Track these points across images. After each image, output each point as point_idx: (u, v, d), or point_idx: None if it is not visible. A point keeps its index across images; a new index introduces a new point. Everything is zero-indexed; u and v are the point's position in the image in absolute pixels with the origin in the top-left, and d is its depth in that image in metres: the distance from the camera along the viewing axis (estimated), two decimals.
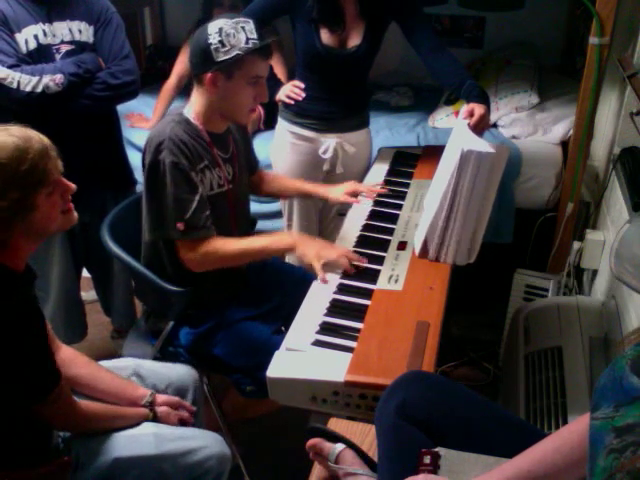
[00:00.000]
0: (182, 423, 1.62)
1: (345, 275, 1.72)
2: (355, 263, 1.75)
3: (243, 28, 1.65)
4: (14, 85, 1.90)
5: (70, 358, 1.56)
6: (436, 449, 1.17)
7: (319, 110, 2.28)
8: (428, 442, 1.19)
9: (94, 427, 1.46)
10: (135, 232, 1.87)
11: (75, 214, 1.39)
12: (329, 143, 2.31)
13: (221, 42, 1.63)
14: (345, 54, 2.17)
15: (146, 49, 3.72)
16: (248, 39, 1.64)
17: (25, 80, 1.90)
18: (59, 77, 1.93)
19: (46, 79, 1.91)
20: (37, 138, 1.28)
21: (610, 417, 0.83)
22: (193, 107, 1.76)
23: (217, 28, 1.64)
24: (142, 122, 3.02)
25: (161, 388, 1.66)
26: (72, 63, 1.97)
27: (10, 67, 1.90)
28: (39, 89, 1.91)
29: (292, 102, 2.27)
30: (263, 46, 1.67)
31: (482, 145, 1.66)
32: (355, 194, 2.07)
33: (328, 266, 1.72)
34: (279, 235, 1.77)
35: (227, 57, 1.64)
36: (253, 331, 1.82)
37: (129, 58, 2.10)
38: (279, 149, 2.41)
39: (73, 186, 1.36)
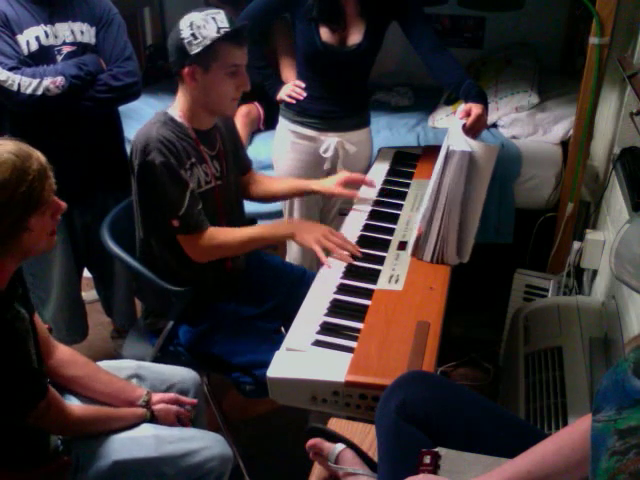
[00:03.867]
0: (180, 420, 1.62)
1: (345, 275, 1.72)
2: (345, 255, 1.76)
3: (214, 19, 1.66)
4: (14, 88, 1.89)
5: (68, 359, 1.56)
6: (436, 449, 1.17)
7: (320, 109, 2.28)
8: (428, 442, 1.19)
9: (90, 430, 1.46)
10: (135, 232, 1.88)
11: (55, 238, 1.37)
12: (330, 142, 2.31)
13: (193, 35, 1.64)
14: (345, 52, 2.17)
15: (146, 49, 3.72)
16: (219, 28, 1.65)
17: (26, 83, 1.89)
18: (60, 79, 1.92)
19: (47, 82, 1.91)
20: (35, 156, 1.24)
21: (613, 420, 0.83)
22: (178, 105, 1.77)
23: (188, 22, 1.66)
24: None
25: (162, 389, 1.66)
26: (73, 65, 1.97)
27: (11, 69, 1.89)
28: (39, 92, 1.90)
29: (293, 101, 2.27)
30: (236, 34, 1.67)
31: (465, 144, 1.66)
32: (347, 184, 2.07)
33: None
34: (278, 223, 1.80)
35: (200, 49, 1.64)
36: (253, 329, 1.83)
37: (131, 59, 2.09)
38: (280, 148, 2.41)
39: (64, 205, 1.34)
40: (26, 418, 1.32)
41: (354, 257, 1.77)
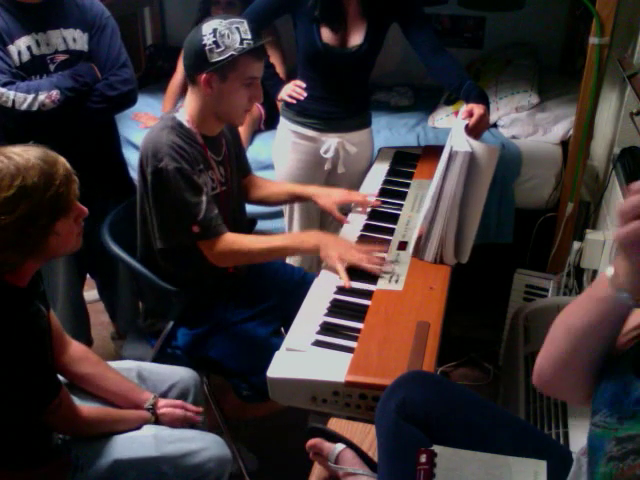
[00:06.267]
0: (190, 424, 1.63)
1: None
2: (375, 266, 1.70)
3: (237, 29, 1.65)
4: (9, 104, 1.85)
5: (80, 356, 1.58)
6: (432, 447, 1.17)
7: (320, 110, 2.27)
8: (428, 442, 1.19)
9: (96, 431, 1.47)
10: (135, 233, 1.87)
11: (81, 239, 1.39)
12: (330, 143, 2.30)
13: (215, 43, 1.63)
14: (346, 53, 2.17)
15: (146, 49, 3.72)
16: (242, 40, 1.64)
17: (20, 99, 1.85)
18: (55, 93, 1.88)
19: (42, 96, 1.87)
20: (61, 162, 1.28)
21: (614, 429, 0.82)
22: (187, 109, 1.76)
23: (211, 29, 1.64)
24: (152, 121, 3.00)
25: (163, 390, 1.67)
26: (69, 77, 1.93)
27: (4, 85, 1.85)
28: (35, 107, 1.86)
29: (294, 101, 2.27)
30: (257, 47, 1.67)
31: (467, 145, 1.66)
32: (346, 203, 2.06)
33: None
34: (304, 236, 1.77)
35: (221, 58, 1.64)
36: (250, 335, 1.82)
37: (126, 66, 2.05)
38: (281, 148, 2.41)
39: (86, 210, 1.37)
40: (41, 414, 1.33)
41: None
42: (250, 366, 1.74)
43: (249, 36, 1.65)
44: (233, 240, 1.73)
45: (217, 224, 1.71)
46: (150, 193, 1.71)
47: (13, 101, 1.85)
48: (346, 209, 2.14)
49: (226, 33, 1.63)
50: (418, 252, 1.78)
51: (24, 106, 1.86)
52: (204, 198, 1.69)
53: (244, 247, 1.74)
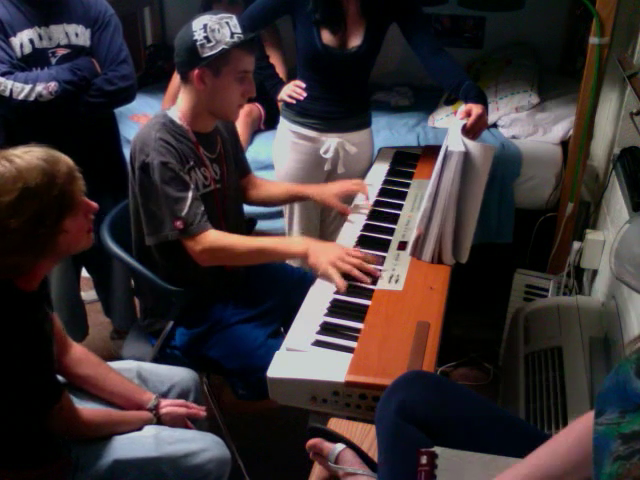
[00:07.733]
0: (193, 420, 1.63)
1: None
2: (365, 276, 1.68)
3: (227, 23, 1.66)
4: (6, 93, 1.87)
5: (81, 357, 1.57)
6: (432, 448, 1.17)
7: (320, 110, 2.28)
8: (428, 442, 1.19)
9: (98, 434, 1.47)
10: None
11: (92, 236, 1.38)
12: (330, 143, 2.30)
13: (206, 38, 1.64)
14: (345, 54, 2.17)
15: (146, 49, 3.72)
16: (233, 33, 1.65)
17: (18, 88, 1.87)
18: (53, 85, 1.90)
19: (39, 87, 1.88)
20: (63, 160, 1.27)
21: (616, 423, 0.82)
22: (179, 107, 1.76)
23: (201, 24, 1.65)
24: None
25: (163, 390, 1.67)
26: (67, 70, 1.94)
27: (3, 74, 1.87)
28: (32, 98, 1.88)
29: (293, 101, 2.27)
30: (248, 40, 1.68)
31: (462, 144, 1.66)
32: (348, 194, 2.05)
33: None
34: (292, 240, 1.75)
35: (213, 52, 1.64)
36: (248, 335, 1.81)
37: (126, 63, 2.06)
38: (281, 148, 2.41)
39: (95, 205, 1.36)
40: (41, 419, 1.33)
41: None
42: (247, 366, 1.74)
43: (239, 30, 1.67)
44: (217, 238, 1.70)
45: (201, 221, 1.68)
46: (138, 188, 1.71)
47: (11, 90, 1.87)
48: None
49: (216, 28, 1.64)
50: (416, 252, 1.78)
51: (21, 96, 1.88)
52: (190, 194, 1.67)
53: (228, 245, 1.70)
